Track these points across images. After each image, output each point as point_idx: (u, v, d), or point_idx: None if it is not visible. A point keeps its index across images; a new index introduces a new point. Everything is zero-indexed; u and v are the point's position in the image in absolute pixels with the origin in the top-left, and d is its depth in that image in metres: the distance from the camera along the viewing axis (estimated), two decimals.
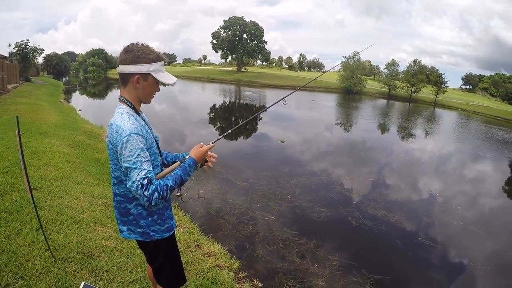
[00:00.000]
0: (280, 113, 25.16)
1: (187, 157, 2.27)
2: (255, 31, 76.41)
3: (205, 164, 2.41)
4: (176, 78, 2.20)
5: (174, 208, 6.09)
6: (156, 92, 2.21)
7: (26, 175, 3.10)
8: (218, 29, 77.94)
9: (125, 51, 2.04)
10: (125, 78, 2.08)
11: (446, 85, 57.80)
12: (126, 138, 1.91)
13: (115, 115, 2.04)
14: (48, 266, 3.25)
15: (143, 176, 1.90)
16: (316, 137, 17.58)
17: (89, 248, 3.78)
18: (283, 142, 14.41)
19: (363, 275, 5.15)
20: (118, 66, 2.07)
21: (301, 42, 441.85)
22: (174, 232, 2.39)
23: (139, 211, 2.15)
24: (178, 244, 3.95)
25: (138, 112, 2.17)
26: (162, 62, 2.11)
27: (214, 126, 19.00)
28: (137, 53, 2.02)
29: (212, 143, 2.40)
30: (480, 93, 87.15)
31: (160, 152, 2.31)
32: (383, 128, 23.52)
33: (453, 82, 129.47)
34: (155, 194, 1.92)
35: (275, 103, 3.53)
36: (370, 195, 8.76)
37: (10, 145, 7.14)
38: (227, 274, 4.04)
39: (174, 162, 2.36)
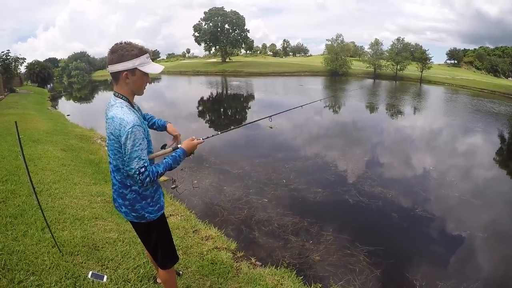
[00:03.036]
0: (269, 100, 25.27)
1: (179, 146, 2.51)
2: (237, 21, 75.67)
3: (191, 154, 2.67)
4: (162, 66, 2.40)
5: (170, 199, 6.32)
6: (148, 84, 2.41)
7: (29, 176, 3.28)
8: (199, 21, 76.88)
9: (110, 52, 2.22)
10: (116, 76, 2.26)
11: (431, 61, 58.31)
12: (131, 129, 2.14)
13: (115, 109, 2.23)
14: (57, 261, 3.44)
15: (142, 165, 2.17)
16: (306, 121, 17.64)
17: (93, 241, 3.98)
18: (271, 128, 14.56)
19: (357, 247, 5.41)
20: (108, 67, 2.26)
21: (284, 28, 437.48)
22: (163, 211, 2.64)
23: (134, 196, 2.41)
24: (176, 231, 4.18)
25: (133, 105, 2.37)
26: (147, 55, 2.27)
27: (204, 119, 19.03)
28: (121, 52, 2.19)
29: (203, 139, 2.66)
30: (465, 67, 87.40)
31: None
32: (372, 108, 23.75)
33: (438, 57, 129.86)
34: (147, 179, 2.21)
35: (261, 119, 3.80)
36: (366, 173, 8.98)
37: (5, 155, 7.25)
38: (225, 255, 4.25)
39: (156, 125, 2.82)
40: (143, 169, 2.18)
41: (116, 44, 2.24)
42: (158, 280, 3.33)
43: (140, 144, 2.17)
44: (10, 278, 3.08)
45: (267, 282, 3.82)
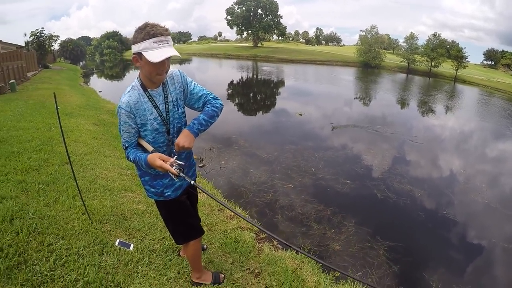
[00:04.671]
0: (299, 88, 25.02)
1: (150, 153, 2.28)
2: (270, 6, 74.83)
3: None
4: (171, 52, 2.04)
5: (197, 177, 6.33)
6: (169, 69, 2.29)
7: (65, 145, 3.38)
8: (232, 5, 76.72)
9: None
10: None
11: (467, 60, 55.95)
12: (117, 108, 2.23)
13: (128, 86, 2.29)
14: (86, 227, 3.55)
15: (122, 144, 2.35)
16: (335, 111, 17.37)
17: (122, 211, 4.09)
18: (301, 115, 14.46)
19: (378, 241, 5.36)
20: None
21: (317, 16, 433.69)
22: (173, 199, 2.56)
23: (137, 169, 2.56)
24: (202, 208, 4.20)
25: (145, 88, 2.24)
26: (154, 39, 2.00)
27: (233, 102, 18.98)
28: (135, 34, 2.05)
29: (177, 171, 2.13)
30: (503, 69, 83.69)
31: (168, 129, 2.38)
32: (404, 103, 23.15)
33: (475, 57, 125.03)
34: (127, 157, 2.37)
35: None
36: (396, 170, 8.79)
37: (39, 126, 7.52)
38: (248, 235, 4.28)
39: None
40: (123, 147, 2.35)
41: (142, 24, 2.06)
42: (182, 253, 3.40)
43: (122, 125, 2.24)
44: (40, 240, 3.20)
45: (287, 265, 3.82)
